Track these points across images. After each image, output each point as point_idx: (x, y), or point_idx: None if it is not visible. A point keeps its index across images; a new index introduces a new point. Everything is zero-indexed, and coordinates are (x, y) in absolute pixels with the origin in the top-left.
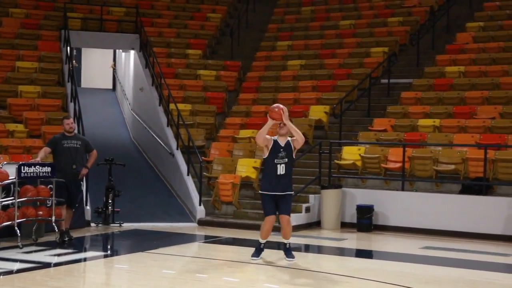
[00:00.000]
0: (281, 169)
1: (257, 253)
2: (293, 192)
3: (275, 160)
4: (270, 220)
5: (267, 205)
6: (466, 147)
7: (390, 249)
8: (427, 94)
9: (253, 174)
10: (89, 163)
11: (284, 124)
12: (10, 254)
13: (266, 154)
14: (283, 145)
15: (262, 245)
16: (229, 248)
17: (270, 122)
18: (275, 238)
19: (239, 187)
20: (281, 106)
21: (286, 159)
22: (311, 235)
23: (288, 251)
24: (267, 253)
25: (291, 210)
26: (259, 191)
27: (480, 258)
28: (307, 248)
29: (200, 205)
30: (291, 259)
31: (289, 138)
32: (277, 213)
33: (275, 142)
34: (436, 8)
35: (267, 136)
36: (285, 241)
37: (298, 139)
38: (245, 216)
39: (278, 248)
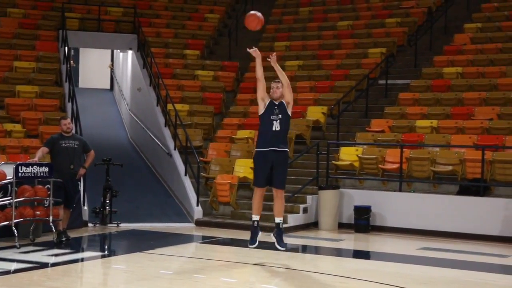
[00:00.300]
0: (276, 125)
1: (252, 239)
2: (288, 150)
3: (271, 116)
4: (259, 192)
5: (259, 172)
6: (463, 148)
7: (388, 250)
8: (424, 95)
9: (250, 175)
10: (86, 163)
11: (277, 88)
12: (7, 254)
13: (261, 111)
14: (277, 103)
15: (256, 222)
16: (226, 248)
17: (258, 59)
18: (270, 239)
19: (237, 188)
20: (254, 13)
21: (281, 115)
22: (308, 235)
23: (280, 235)
24: (264, 254)
25: (285, 182)
26: (255, 149)
27: (477, 259)
28: (305, 249)
29: (197, 205)
30: (282, 247)
31: (282, 100)
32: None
33: (270, 101)
34: (433, 9)
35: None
36: (277, 219)
37: (283, 82)
38: (242, 216)
39: (276, 249)
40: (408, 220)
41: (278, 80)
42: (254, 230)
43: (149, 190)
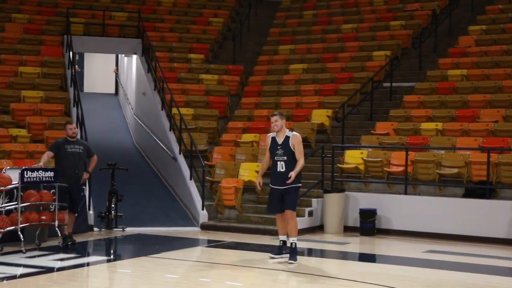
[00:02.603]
0: (280, 167)
1: (275, 251)
2: (298, 185)
3: (275, 157)
4: (277, 217)
5: (271, 201)
6: (469, 151)
7: (393, 253)
8: (429, 98)
9: (255, 178)
10: (90, 168)
11: (276, 121)
12: (13, 259)
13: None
14: (280, 142)
15: (281, 242)
16: (232, 252)
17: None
18: (276, 242)
19: (242, 191)
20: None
21: (285, 157)
22: (314, 239)
23: (293, 252)
24: (269, 258)
25: (296, 204)
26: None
27: (483, 262)
28: (310, 252)
29: (202, 209)
30: (292, 261)
31: (288, 134)
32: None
33: (273, 139)
34: (438, 12)
35: (267, 135)
36: (290, 239)
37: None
38: (247, 220)
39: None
40: (413, 223)
41: (275, 112)
42: (280, 246)
43: (154, 194)
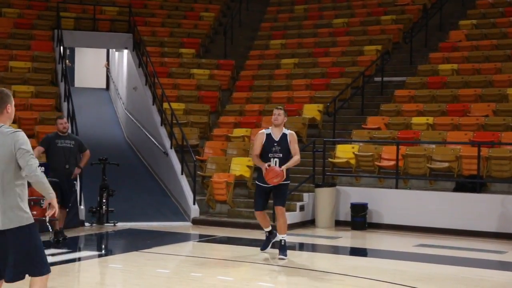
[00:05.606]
0: (274, 163)
1: (264, 245)
2: (288, 182)
3: (269, 154)
4: (258, 214)
5: (257, 198)
6: (459, 145)
7: (384, 247)
8: (420, 92)
9: (247, 173)
10: (82, 163)
11: (279, 114)
12: None
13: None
14: (277, 139)
15: (267, 232)
16: (223, 247)
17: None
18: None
19: (233, 186)
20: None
21: (281, 154)
22: (305, 233)
23: (283, 248)
24: (260, 252)
25: (285, 200)
26: (255, 182)
27: (473, 255)
28: (302, 247)
29: (194, 204)
30: (282, 256)
31: (285, 131)
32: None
33: (268, 135)
34: (429, 6)
35: (259, 132)
36: (280, 236)
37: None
38: (239, 215)
39: (273, 247)
40: (404, 217)
41: (280, 107)
42: (266, 238)
43: (145, 189)
